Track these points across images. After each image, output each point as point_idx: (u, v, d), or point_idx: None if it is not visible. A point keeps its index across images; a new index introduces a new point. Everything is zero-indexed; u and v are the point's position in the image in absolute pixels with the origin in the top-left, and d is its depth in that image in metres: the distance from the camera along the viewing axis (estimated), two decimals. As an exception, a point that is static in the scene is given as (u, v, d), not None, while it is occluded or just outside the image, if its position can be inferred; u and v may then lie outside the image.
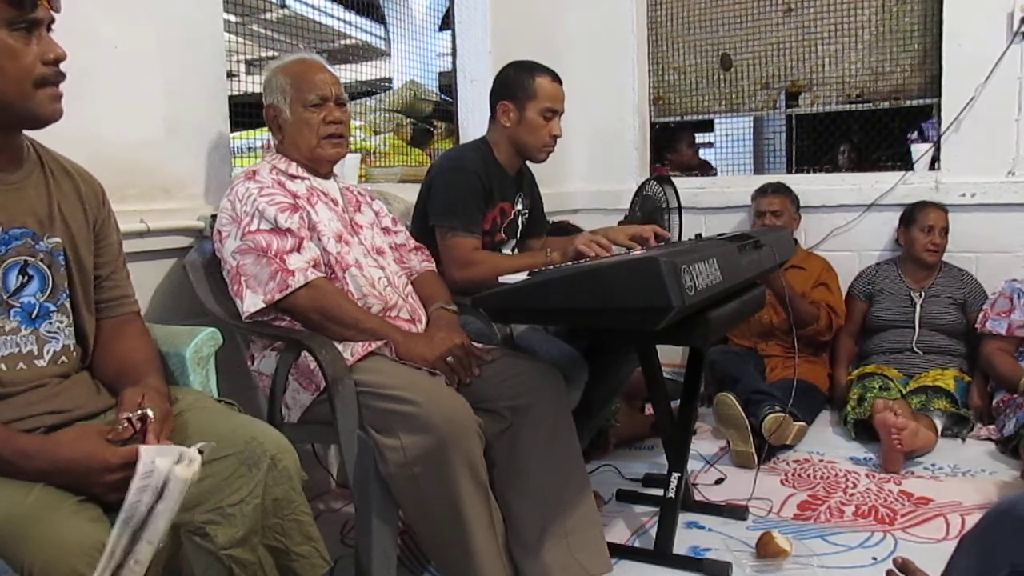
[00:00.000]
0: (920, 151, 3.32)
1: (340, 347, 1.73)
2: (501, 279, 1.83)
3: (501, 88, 2.30)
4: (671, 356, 3.29)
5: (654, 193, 2.95)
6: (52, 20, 1.26)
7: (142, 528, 1.05)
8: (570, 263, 1.95)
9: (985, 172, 3.19)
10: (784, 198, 3.31)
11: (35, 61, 1.22)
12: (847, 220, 3.44)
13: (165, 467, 1.07)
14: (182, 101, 2.04)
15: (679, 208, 3.40)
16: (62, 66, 1.25)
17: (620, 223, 3.47)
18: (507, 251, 2.41)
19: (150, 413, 1.21)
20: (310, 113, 1.90)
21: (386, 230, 2.08)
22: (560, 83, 2.30)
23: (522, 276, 1.75)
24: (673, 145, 4.27)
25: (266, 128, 2.02)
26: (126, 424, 1.19)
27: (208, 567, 1.22)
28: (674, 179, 3.65)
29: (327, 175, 2.00)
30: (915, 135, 3.44)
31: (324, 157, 1.94)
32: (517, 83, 2.27)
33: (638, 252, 1.96)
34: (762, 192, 3.34)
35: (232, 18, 2.66)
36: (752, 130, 4.83)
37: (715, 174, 4.38)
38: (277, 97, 1.91)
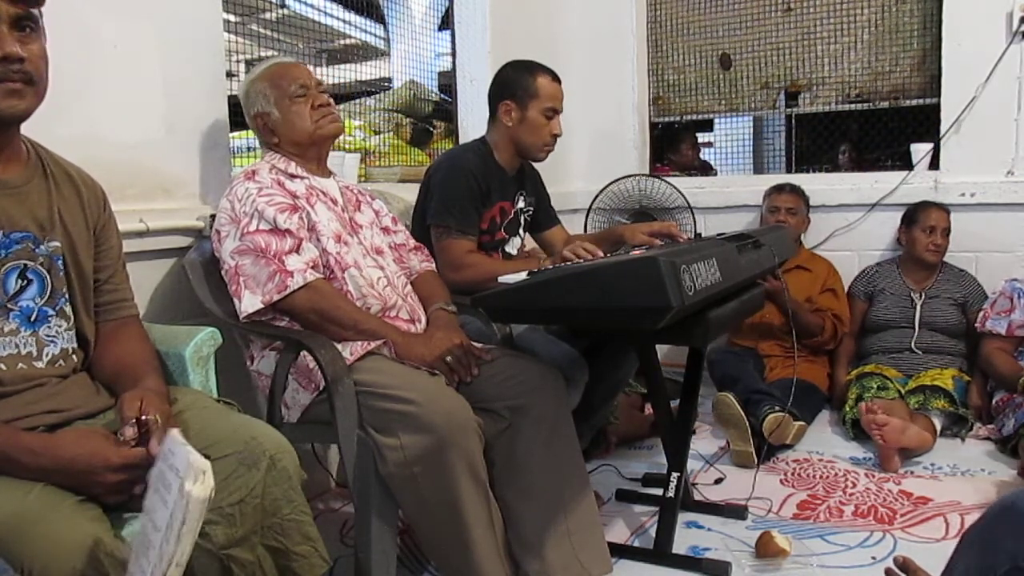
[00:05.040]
0: (920, 151, 3.32)
1: (339, 346, 1.73)
2: (500, 279, 1.83)
3: (502, 88, 2.30)
4: (671, 356, 3.30)
5: (645, 191, 2.95)
6: (26, 17, 1.22)
7: (172, 552, 1.05)
8: (568, 263, 1.95)
9: (985, 172, 3.19)
10: (800, 199, 3.32)
11: None
12: (847, 220, 3.44)
13: (188, 489, 1.07)
14: (182, 101, 2.04)
15: (689, 206, 3.41)
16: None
17: (620, 222, 3.51)
18: (511, 248, 2.42)
19: (158, 421, 1.21)
20: (297, 104, 1.91)
21: (386, 230, 2.08)
22: (559, 82, 2.31)
23: (521, 276, 1.75)
24: (676, 146, 4.27)
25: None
26: (129, 433, 1.19)
27: (207, 567, 1.21)
28: (674, 179, 3.67)
29: (327, 173, 2.00)
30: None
31: (326, 134, 1.95)
32: (518, 83, 2.27)
33: (638, 252, 1.96)
34: (779, 189, 3.34)
35: (232, 18, 2.67)
36: (752, 130, 4.83)
37: (715, 174, 4.39)
38: (260, 103, 1.92)
